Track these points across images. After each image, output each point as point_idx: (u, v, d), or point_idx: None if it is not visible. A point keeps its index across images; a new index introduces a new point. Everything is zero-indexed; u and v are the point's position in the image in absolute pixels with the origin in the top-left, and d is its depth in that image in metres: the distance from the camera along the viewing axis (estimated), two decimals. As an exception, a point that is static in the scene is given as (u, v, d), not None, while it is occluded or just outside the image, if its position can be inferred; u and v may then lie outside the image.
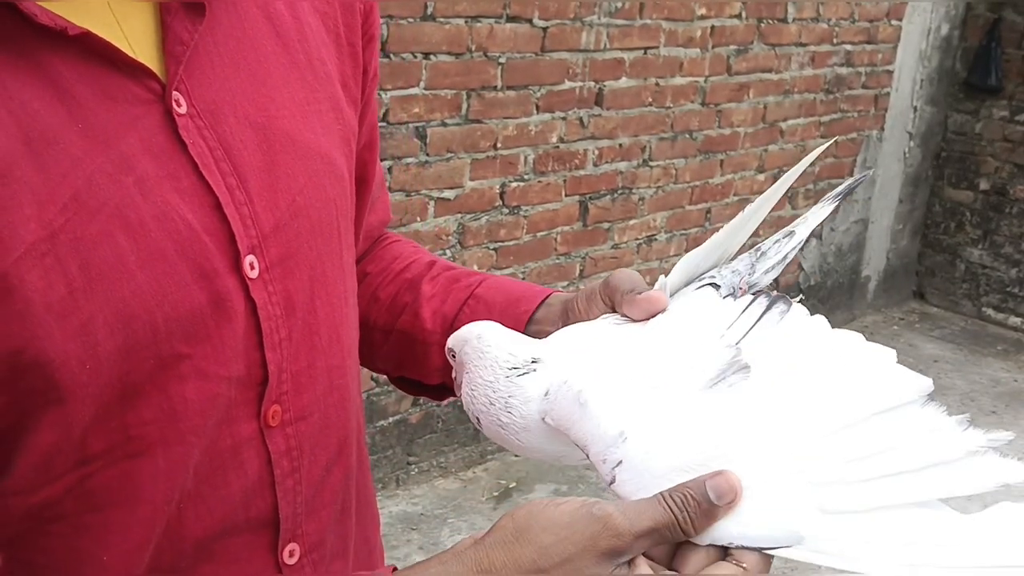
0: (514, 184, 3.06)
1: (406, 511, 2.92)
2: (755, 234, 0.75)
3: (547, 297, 0.81)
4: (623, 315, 0.70)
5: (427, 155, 2.80)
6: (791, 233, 0.73)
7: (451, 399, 0.85)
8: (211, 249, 0.62)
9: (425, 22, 2.68)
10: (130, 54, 0.60)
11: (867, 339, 0.62)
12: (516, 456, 1.71)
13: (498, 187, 3.02)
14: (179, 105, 0.62)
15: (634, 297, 0.69)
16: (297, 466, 0.70)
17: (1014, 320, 4.75)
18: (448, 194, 2.89)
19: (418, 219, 2.84)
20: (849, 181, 0.77)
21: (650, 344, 0.65)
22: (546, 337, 0.70)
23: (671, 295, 0.70)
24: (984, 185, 4.74)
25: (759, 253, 0.72)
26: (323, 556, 0.74)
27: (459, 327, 0.72)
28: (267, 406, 0.67)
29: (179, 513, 0.64)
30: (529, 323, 0.80)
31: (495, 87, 2.90)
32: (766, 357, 0.61)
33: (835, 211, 4.40)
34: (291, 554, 0.71)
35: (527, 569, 0.55)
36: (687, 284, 0.71)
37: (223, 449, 0.65)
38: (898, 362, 0.61)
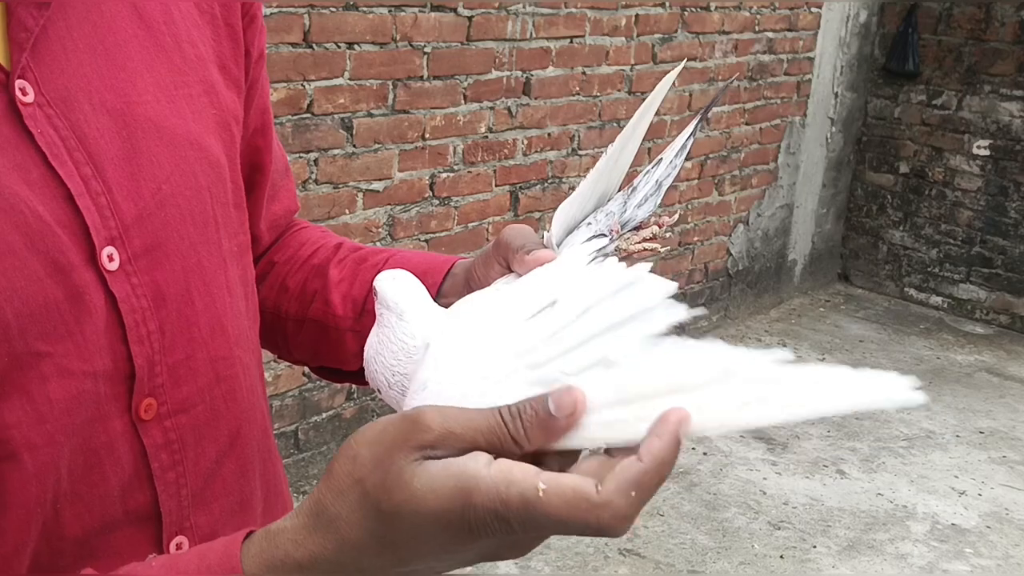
0: (444, 175, 3.04)
1: (342, 508, 2.88)
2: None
3: (452, 267, 0.80)
4: (517, 273, 0.68)
5: (354, 146, 2.76)
6: (659, 160, 0.73)
7: None
8: (65, 242, 0.60)
9: (348, 11, 2.64)
10: None
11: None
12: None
13: (427, 178, 3.00)
14: (25, 94, 0.59)
15: (523, 257, 0.67)
16: (180, 459, 0.68)
17: (935, 299, 4.88)
18: (377, 186, 2.85)
19: (347, 212, 2.80)
20: (711, 102, 0.79)
21: (513, 304, 0.63)
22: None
23: (558, 245, 0.70)
24: (904, 168, 4.86)
25: (631, 190, 0.72)
26: None
27: (371, 310, 0.69)
28: (138, 400, 0.65)
29: (56, 514, 0.62)
30: (438, 296, 0.79)
31: (421, 77, 2.87)
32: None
33: (761, 196, 4.47)
34: (179, 547, 0.69)
35: (349, 476, 0.51)
36: (568, 233, 0.71)
37: (98, 446, 0.63)
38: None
